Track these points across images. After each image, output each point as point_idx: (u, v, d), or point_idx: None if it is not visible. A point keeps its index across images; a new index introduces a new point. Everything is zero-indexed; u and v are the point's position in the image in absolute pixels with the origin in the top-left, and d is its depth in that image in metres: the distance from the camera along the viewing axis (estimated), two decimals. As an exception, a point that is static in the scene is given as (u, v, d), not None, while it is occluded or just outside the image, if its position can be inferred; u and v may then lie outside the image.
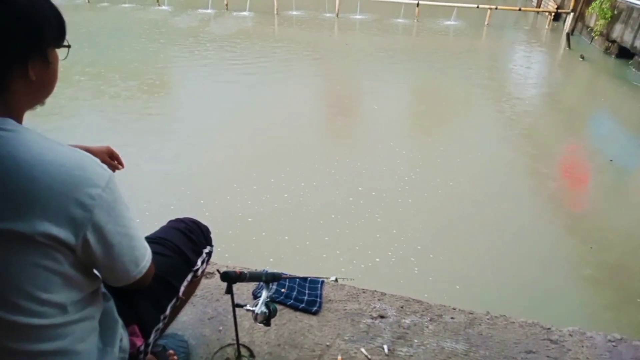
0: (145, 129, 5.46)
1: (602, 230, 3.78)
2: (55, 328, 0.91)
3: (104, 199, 0.88)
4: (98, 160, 0.91)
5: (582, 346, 1.65)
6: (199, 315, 1.72)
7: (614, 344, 1.67)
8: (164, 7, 12.57)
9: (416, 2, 12.21)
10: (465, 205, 4.07)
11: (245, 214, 3.65)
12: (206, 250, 1.41)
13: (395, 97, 7.06)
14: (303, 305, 1.76)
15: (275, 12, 12.23)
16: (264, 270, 1.47)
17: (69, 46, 0.96)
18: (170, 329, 1.60)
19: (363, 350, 1.59)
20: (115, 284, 1.02)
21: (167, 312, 1.27)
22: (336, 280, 1.95)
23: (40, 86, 0.91)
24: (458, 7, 12.26)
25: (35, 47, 0.87)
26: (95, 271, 0.99)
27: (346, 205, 3.95)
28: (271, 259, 3.11)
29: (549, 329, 1.73)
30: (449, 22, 12.26)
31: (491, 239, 3.60)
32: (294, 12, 12.53)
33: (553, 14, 12.18)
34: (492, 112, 6.52)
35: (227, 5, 12.44)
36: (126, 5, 12.77)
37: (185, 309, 1.68)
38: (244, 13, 12.21)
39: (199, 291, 1.81)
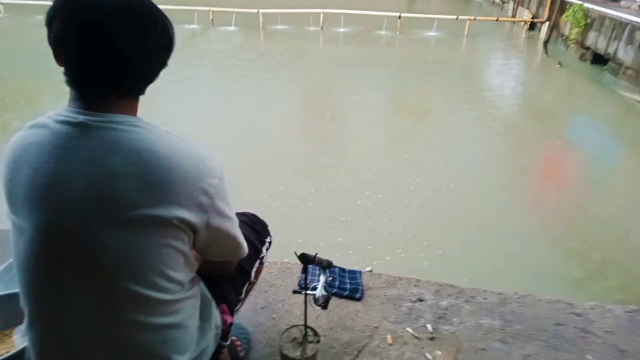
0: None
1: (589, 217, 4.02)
2: (175, 303, 1.03)
3: (220, 188, 1.00)
4: (212, 154, 1.04)
5: (605, 317, 1.82)
6: (252, 306, 1.83)
7: (632, 314, 1.84)
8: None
9: (398, 14, 12.58)
10: (468, 203, 4.27)
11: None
12: (268, 240, 1.54)
13: (385, 103, 7.29)
14: (347, 292, 1.89)
15: (261, 27, 12.43)
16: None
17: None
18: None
19: (409, 329, 1.73)
20: (220, 258, 1.15)
21: (243, 294, 1.39)
22: (371, 270, 2.10)
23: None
24: (438, 18, 12.67)
25: (165, 62, 1.00)
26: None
27: (373, 205, 4.10)
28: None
29: (572, 304, 1.89)
30: (430, 33, 12.65)
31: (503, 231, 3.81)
32: (279, 27, 12.76)
33: (529, 23, 12.69)
34: (476, 116, 6.79)
35: (212, 20, 12.59)
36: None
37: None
38: (230, 28, 12.38)
39: (247, 284, 1.92)
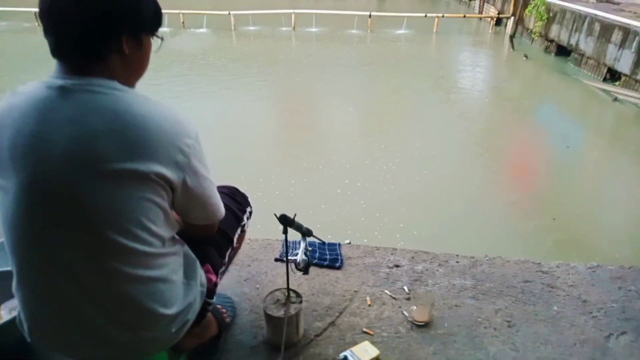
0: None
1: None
2: (158, 257, 1.08)
3: (196, 149, 1.06)
4: (187, 117, 1.09)
5: (569, 274, 1.95)
6: (235, 278, 1.89)
7: (592, 270, 1.98)
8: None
9: (368, 13, 12.77)
10: (441, 187, 4.41)
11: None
12: (248, 209, 1.60)
13: (359, 98, 7.42)
14: (327, 262, 1.97)
15: (232, 28, 12.44)
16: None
17: (162, 38, 1.14)
18: (213, 291, 1.76)
19: (387, 291, 1.82)
20: (201, 222, 1.20)
21: (226, 259, 1.45)
22: (349, 242, 2.18)
23: (132, 63, 1.06)
24: (407, 16, 12.92)
25: (130, 24, 1.02)
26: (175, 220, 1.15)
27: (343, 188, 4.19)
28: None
29: (539, 263, 2.01)
30: (400, 31, 12.88)
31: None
32: (251, 28, 12.79)
33: (495, 19, 13.06)
34: (447, 107, 7.00)
35: (183, 22, 12.53)
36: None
37: (221, 274, 1.85)
38: (201, 30, 12.35)
39: (230, 259, 1.98)
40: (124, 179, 0.97)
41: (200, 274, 1.29)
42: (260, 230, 2.20)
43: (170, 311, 1.14)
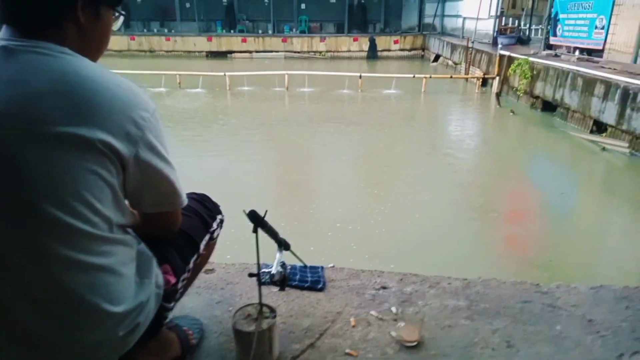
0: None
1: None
2: (103, 242, 0.95)
3: (152, 123, 0.97)
4: (145, 91, 1.01)
5: (570, 294, 1.79)
6: (207, 301, 1.72)
7: (595, 290, 1.82)
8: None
9: (359, 74, 13.20)
10: (433, 235, 4.28)
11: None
12: (219, 217, 1.47)
13: (351, 153, 7.45)
14: (308, 284, 1.81)
15: (227, 89, 12.77)
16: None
17: (123, 15, 1.09)
18: (181, 314, 1.59)
19: (373, 312, 1.65)
20: (155, 209, 1.08)
21: (191, 265, 1.30)
22: (333, 266, 2.03)
23: (89, 36, 0.99)
24: (396, 77, 13.36)
25: None
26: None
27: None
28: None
29: (538, 284, 1.86)
30: (389, 91, 13.24)
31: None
32: (246, 88, 13.14)
33: (481, 79, 13.52)
34: (437, 164, 6.99)
35: (180, 83, 12.87)
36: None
37: (191, 297, 1.69)
38: (197, 90, 12.65)
39: (202, 283, 1.82)
40: (66, 144, 0.87)
41: (157, 274, 1.14)
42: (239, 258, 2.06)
43: (117, 309, 0.98)
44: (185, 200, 1.12)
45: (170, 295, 1.19)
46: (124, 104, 0.93)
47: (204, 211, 1.41)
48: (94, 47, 1.04)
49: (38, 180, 0.87)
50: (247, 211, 1.27)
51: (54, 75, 0.89)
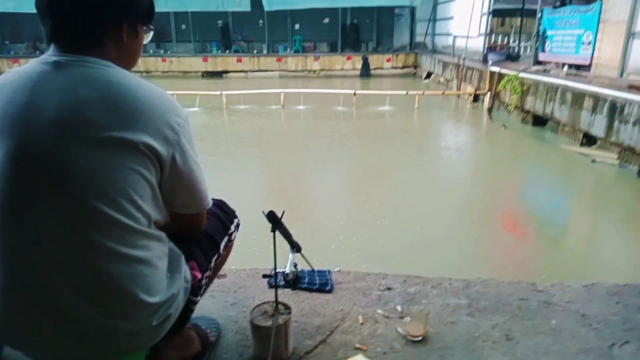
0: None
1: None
2: (143, 236, 1.05)
3: (185, 129, 1.09)
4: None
5: (564, 291, 1.90)
6: (222, 303, 1.81)
7: (588, 287, 1.93)
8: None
9: (353, 92, 13.44)
10: (429, 247, 4.38)
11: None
12: (236, 221, 1.58)
13: (347, 167, 7.58)
14: (317, 286, 1.90)
15: (224, 107, 12.94)
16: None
17: (152, 30, 1.21)
18: (198, 315, 1.68)
19: (380, 311, 1.75)
20: (186, 210, 1.18)
21: (212, 264, 1.40)
22: (340, 270, 2.13)
23: (128, 51, 1.13)
24: (390, 94, 13.60)
25: (129, 15, 1.11)
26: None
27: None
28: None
29: (534, 283, 1.97)
30: (383, 108, 13.46)
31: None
32: (242, 106, 13.32)
33: (472, 95, 13.79)
34: (434, 176, 7.12)
35: (176, 103, 13.03)
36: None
37: (206, 300, 1.78)
38: (194, 109, 12.81)
39: (216, 287, 1.91)
40: (112, 146, 0.98)
41: (185, 269, 1.24)
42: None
43: (153, 299, 1.08)
44: (210, 202, 1.23)
45: (197, 289, 1.29)
46: (161, 110, 1.05)
47: (223, 215, 1.52)
48: (130, 59, 1.17)
49: (86, 179, 0.97)
50: (265, 212, 1.38)
51: (99, 84, 1.01)
